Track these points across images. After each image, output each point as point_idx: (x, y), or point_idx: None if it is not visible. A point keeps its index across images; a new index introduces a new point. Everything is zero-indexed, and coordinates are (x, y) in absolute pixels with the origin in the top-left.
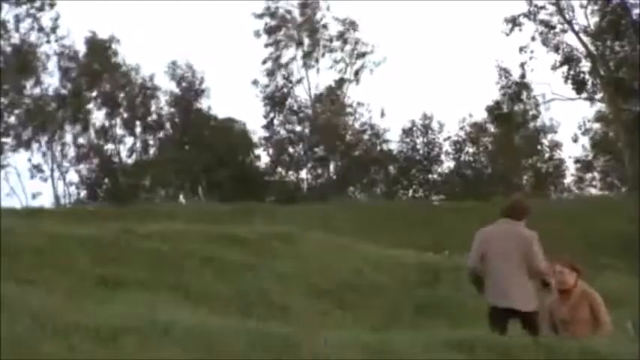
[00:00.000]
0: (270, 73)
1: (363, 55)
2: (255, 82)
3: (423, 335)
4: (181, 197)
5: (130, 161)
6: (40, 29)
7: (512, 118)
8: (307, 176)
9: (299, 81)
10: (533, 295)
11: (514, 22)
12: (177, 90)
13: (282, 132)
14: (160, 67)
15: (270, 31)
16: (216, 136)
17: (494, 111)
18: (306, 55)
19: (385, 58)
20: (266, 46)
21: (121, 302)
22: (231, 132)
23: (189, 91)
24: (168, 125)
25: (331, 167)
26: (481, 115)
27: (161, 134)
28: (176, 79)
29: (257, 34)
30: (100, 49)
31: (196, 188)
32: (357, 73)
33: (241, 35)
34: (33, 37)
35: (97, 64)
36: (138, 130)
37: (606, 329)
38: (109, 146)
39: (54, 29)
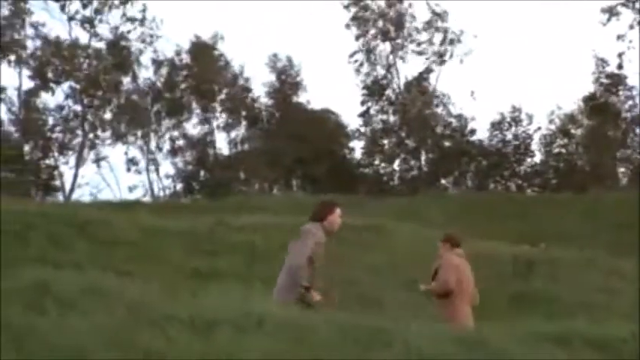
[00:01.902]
0: (361, 65)
1: (451, 44)
2: (348, 72)
3: (518, 328)
4: (275, 190)
5: (225, 154)
6: (130, 20)
7: (608, 109)
8: (399, 168)
9: (389, 71)
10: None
11: (611, 11)
12: (276, 82)
13: (377, 123)
14: (258, 60)
15: (358, 22)
16: (311, 128)
17: (590, 102)
18: (395, 46)
19: (471, 50)
20: (357, 38)
21: (215, 294)
22: (326, 124)
23: (287, 83)
24: (265, 118)
25: (422, 159)
26: (570, 107)
27: (258, 127)
28: (276, 72)
29: (347, 26)
30: (200, 43)
31: (290, 181)
32: (444, 62)
33: (334, 26)
34: (126, 30)
35: (195, 57)
36: (234, 122)
37: (440, 284)
38: (205, 139)
39: (142, 21)
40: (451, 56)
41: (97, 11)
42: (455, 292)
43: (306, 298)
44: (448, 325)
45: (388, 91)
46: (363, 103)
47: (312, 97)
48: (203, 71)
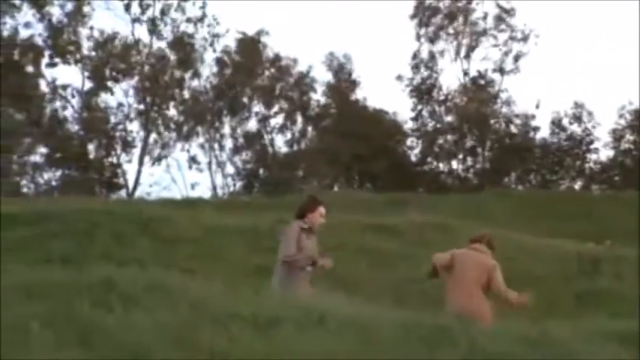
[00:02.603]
0: (420, 63)
1: (514, 42)
2: (400, 76)
3: (583, 326)
4: (335, 187)
5: (285, 152)
6: (190, 20)
7: None
8: (459, 166)
9: (448, 70)
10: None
11: None
12: (333, 81)
13: (432, 122)
14: (316, 58)
15: (420, 21)
16: (369, 126)
17: None
18: (456, 44)
19: (532, 47)
20: (418, 37)
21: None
22: (384, 122)
23: (345, 82)
24: (323, 116)
25: (483, 157)
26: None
27: (316, 125)
28: (333, 70)
29: (410, 16)
30: (257, 41)
31: (350, 178)
32: (507, 60)
33: (391, 26)
34: (189, 30)
35: (254, 56)
36: (294, 121)
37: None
38: (265, 137)
39: (201, 19)
40: (515, 54)
41: (162, 12)
42: (443, 276)
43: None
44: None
45: (437, 92)
46: (414, 107)
47: (370, 95)
48: (258, 68)
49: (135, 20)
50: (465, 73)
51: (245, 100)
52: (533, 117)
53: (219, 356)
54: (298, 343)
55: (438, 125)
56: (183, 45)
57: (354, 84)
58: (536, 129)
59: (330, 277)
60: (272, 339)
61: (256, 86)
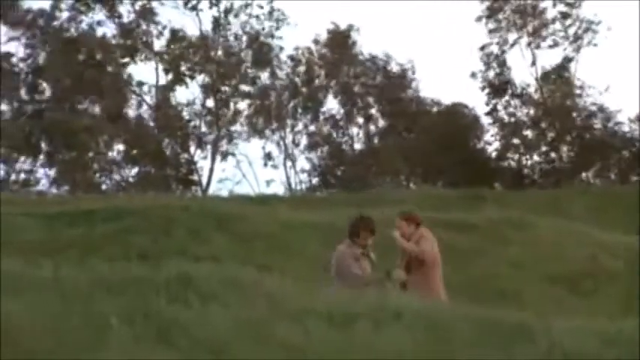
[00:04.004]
0: (492, 58)
1: (586, 32)
2: (473, 72)
3: None
4: (411, 184)
5: (360, 148)
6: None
7: None
8: (538, 160)
9: (533, 63)
10: None
11: None
12: (405, 77)
13: (508, 116)
14: (381, 55)
15: (490, 14)
16: (444, 121)
17: None
18: (530, 36)
19: (606, 38)
20: (489, 32)
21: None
22: (459, 117)
23: (399, 79)
24: (394, 113)
25: (563, 151)
26: None
27: (389, 122)
28: (402, 67)
29: (478, 18)
30: (339, 37)
31: (426, 175)
32: (580, 52)
33: (464, 20)
34: (263, 27)
35: (335, 53)
36: (367, 117)
37: (418, 249)
38: (341, 134)
39: (270, 13)
40: (589, 44)
41: (227, 10)
42: (429, 265)
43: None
44: (423, 296)
45: (514, 85)
46: (493, 96)
47: (445, 91)
48: (339, 63)
49: (211, 18)
50: (533, 64)
51: (320, 96)
52: (616, 112)
53: (294, 352)
54: (373, 340)
55: (514, 119)
56: (258, 42)
57: (424, 81)
58: (618, 123)
59: None
60: (347, 335)
61: (335, 83)
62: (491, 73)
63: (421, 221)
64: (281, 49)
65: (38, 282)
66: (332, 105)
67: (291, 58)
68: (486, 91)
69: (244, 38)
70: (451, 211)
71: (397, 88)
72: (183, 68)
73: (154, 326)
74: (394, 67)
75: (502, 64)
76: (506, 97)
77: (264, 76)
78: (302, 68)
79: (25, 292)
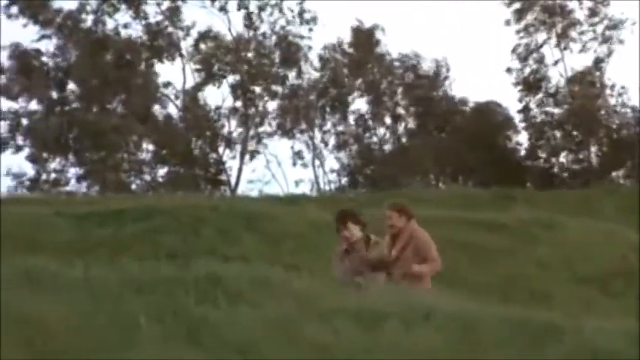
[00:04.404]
0: (523, 58)
1: (613, 30)
2: (508, 69)
3: None
4: (441, 183)
5: (389, 148)
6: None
7: None
8: (566, 160)
9: (555, 63)
10: None
11: None
12: (434, 77)
13: (540, 116)
14: (411, 53)
15: (519, 15)
16: (474, 121)
17: None
18: (559, 36)
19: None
20: (517, 32)
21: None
22: (489, 117)
23: (445, 78)
24: (424, 112)
25: (592, 151)
26: None
27: (419, 121)
28: (431, 66)
29: (507, 22)
30: (363, 36)
31: (456, 174)
32: (610, 51)
33: (494, 19)
34: (289, 27)
35: (361, 52)
36: (396, 117)
37: (435, 265)
38: (369, 133)
39: (300, 13)
40: (620, 43)
41: (261, 9)
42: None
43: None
44: (412, 288)
45: (550, 84)
46: (523, 96)
47: (475, 91)
48: (364, 61)
49: (242, 18)
50: (556, 62)
51: (349, 95)
52: None
53: (323, 351)
54: (403, 340)
55: (547, 118)
56: (286, 41)
57: (449, 79)
58: None
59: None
60: (376, 335)
61: (361, 82)
62: (526, 70)
63: (413, 215)
64: (309, 48)
65: (69, 281)
66: (360, 105)
67: (319, 57)
68: (520, 87)
69: (273, 38)
70: (481, 211)
71: (428, 86)
72: (214, 68)
73: (183, 326)
74: (425, 66)
75: (539, 60)
76: (540, 95)
77: (292, 76)
78: (329, 67)
79: (56, 291)
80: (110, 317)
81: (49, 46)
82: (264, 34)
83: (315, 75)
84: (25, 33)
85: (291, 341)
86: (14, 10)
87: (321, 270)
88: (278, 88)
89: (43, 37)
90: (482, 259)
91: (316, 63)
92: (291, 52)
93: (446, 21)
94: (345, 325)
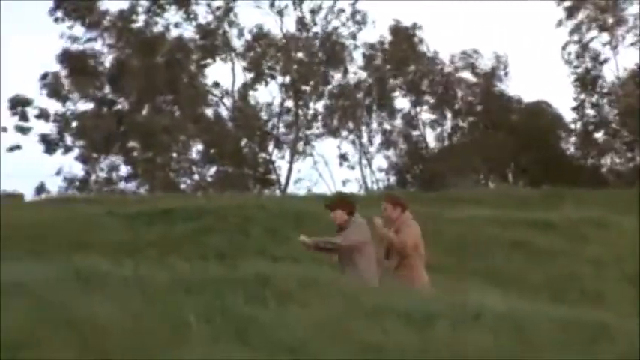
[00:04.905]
0: (575, 57)
1: None
2: (562, 66)
3: None
4: (490, 183)
5: (436, 147)
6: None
7: None
8: (617, 160)
9: (605, 61)
10: None
11: None
12: (480, 76)
13: (591, 115)
14: (460, 53)
15: (570, 14)
16: (523, 120)
17: None
18: (611, 35)
19: None
20: (570, 32)
21: (431, 287)
22: (539, 116)
23: (493, 76)
24: (472, 111)
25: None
26: None
27: (466, 120)
28: (479, 66)
29: (559, 23)
30: (404, 36)
31: (505, 173)
32: None
33: (545, 19)
34: (337, 25)
35: (402, 51)
36: (443, 116)
37: (400, 242)
38: (416, 132)
39: (353, 14)
40: None
41: (313, 12)
42: (413, 255)
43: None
44: (407, 284)
45: (602, 83)
46: (576, 95)
47: (525, 90)
48: (407, 60)
49: (279, 13)
50: (605, 60)
51: (394, 94)
52: None
53: (372, 350)
54: (453, 339)
55: (598, 118)
56: (331, 41)
57: (500, 78)
58: None
59: (483, 273)
60: (426, 334)
61: (405, 81)
62: (579, 69)
63: (407, 207)
64: (355, 47)
65: (120, 281)
66: (406, 103)
67: (364, 55)
68: (575, 85)
69: (323, 38)
70: (531, 211)
71: (484, 84)
72: (264, 67)
73: (232, 325)
74: (482, 64)
75: (593, 58)
76: (594, 95)
77: (338, 76)
78: (374, 65)
79: (107, 290)
80: (160, 316)
81: (98, 46)
82: (315, 35)
83: (361, 74)
84: (71, 34)
85: (340, 340)
86: (60, 13)
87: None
88: (325, 88)
89: (89, 39)
90: (533, 258)
91: (360, 62)
92: (336, 52)
93: (498, 19)
94: (395, 325)
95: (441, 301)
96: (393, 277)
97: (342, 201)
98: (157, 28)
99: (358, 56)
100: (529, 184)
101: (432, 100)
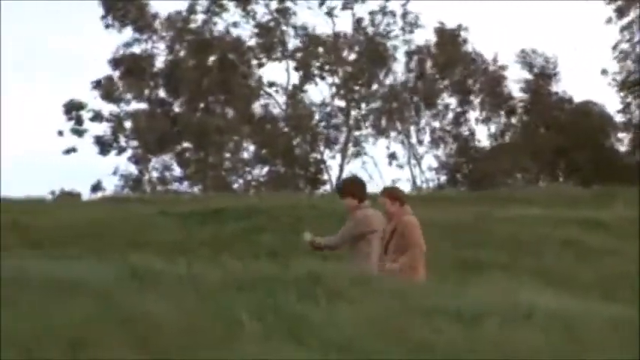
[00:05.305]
0: (625, 57)
1: None
2: (604, 70)
3: None
4: (540, 182)
5: (487, 146)
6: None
7: None
8: None
9: None
10: None
11: None
12: (529, 76)
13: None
14: (510, 53)
15: (620, 13)
16: (573, 119)
17: None
18: None
19: None
20: (621, 30)
21: (481, 285)
22: (589, 115)
23: (542, 76)
24: (521, 110)
25: None
26: None
27: (515, 119)
28: (527, 66)
29: (609, 20)
30: (449, 35)
31: (555, 172)
32: None
33: (594, 18)
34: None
35: (447, 52)
36: (492, 115)
37: (414, 253)
38: (465, 132)
39: (404, 15)
40: None
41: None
42: (415, 252)
43: None
44: (406, 278)
45: None
46: (625, 96)
47: (574, 89)
48: (453, 61)
49: (329, 14)
50: None
51: (442, 94)
52: None
53: (423, 349)
54: (504, 337)
55: None
56: (375, 43)
57: (549, 78)
58: None
59: (534, 272)
60: (477, 332)
61: (452, 82)
62: (625, 72)
63: (405, 199)
64: (405, 47)
65: (174, 279)
66: (454, 103)
67: (407, 55)
68: (619, 87)
69: (371, 39)
70: (582, 209)
71: (536, 84)
72: (313, 68)
73: (284, 323)
74: (523, 66)
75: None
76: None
77: (386, 77)
78: (418, 66)
79: (161, 288)
80: (213, 314)
81: (151, 48)
82: (366, 35)
83: (408, 75)
84: (123, 38)
85: (390, 339)
86: (110, 19)
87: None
88: (374, 88)
89: (140, 41)
90: (584, 257)
91: (406, 63)
92: (383, 53)
93: (549, 19)
94: (446, 323)
95: (492, 300)
96: (391, 273)
97: (351, 187)
98: (216, 27)
99: (403, 57)
100: (580, 184)
101: (480, 100)
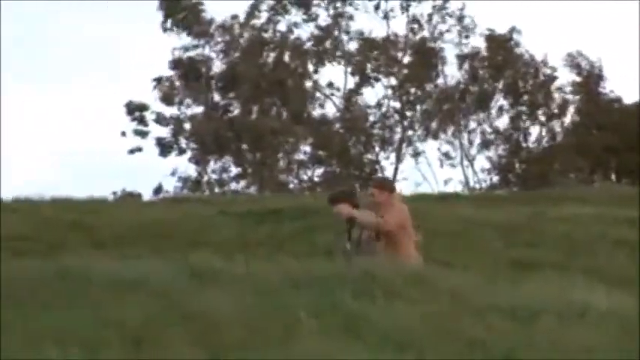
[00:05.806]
0: None
1: None
2: None
3: None
4: (593, 182)
5: (539, 147)
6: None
7: None
8: None
9: None
10: None
11: None
12: (578, 78)
13: None
14: (559, 55)
15: None
16: (623, 120)
17: None
18: None
19: None
20: None
21: (535, 284)
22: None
23: (590, 78)
24: (572, 112)
25: None
26: None
27: (566, 121)
28: (575, 68)
29: None
30: (500, 40)
31: (608, 172)
32: None
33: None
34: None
35: (499, 55)
36: (543, 117)
37: (379, 220)
38: (516, 133)
39: (460, 19)
40: None
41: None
42: (400, 234)
43: None
44: (392, 259)
45: None
46: None
47: (625, 90)
48: (505, 64)
49: (385, 16)
50: None
51: (494, 97)
52: None
53: (478, 347)
54: (558, 335)
55: None
56: (425, 46)
57: (598, 80)
58: None
59: (587, 270)
60: (531, 330)
61: (504, 84)
62: None
63: (394, 189)
64: (459, 46)
65: (232, 277)
66: (504, 104)
67: (459, 57)
68: None
69: (423, 42)
70: (635, 209)
71: (587, 85)
72: (368, 70)
73: (341, 320)
74: (572, 68)
75: None
76: None
77: (437, 77)
78: (472, 69)
79: (221, 286)
80: (271, 312)
81: (208, 52)
82: (422, 38)
83: (458, 77)
84: (180, 42)
85: (445, 337)
86: (169, 24)
87: (475, 267)
88: (427, 90)
89: (197, 46)
90: (637, 256)
91: (457, 65)
92: (436, 55)
93: (596, 19)
94: (500, 321)
95: (546, 298)
96: (381, 256)
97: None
98: (277, 29)
99: (454, 59)
100: (631, 183)
101: (531, 101)
